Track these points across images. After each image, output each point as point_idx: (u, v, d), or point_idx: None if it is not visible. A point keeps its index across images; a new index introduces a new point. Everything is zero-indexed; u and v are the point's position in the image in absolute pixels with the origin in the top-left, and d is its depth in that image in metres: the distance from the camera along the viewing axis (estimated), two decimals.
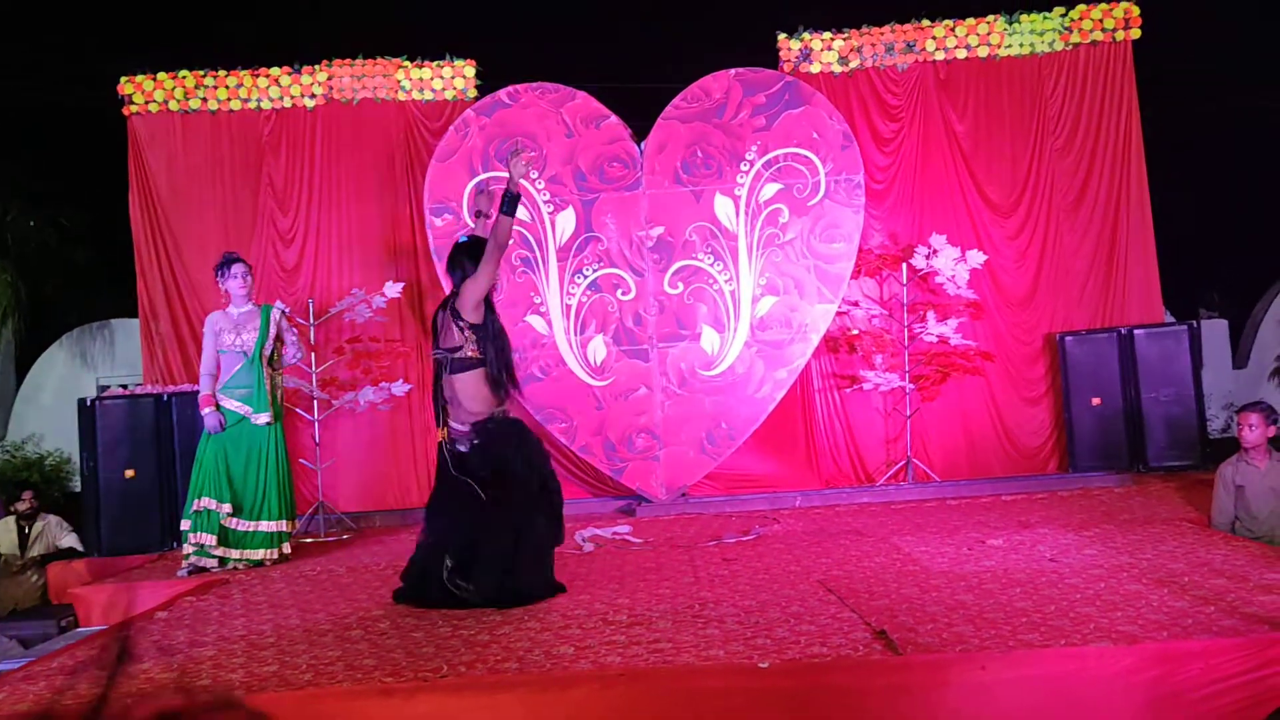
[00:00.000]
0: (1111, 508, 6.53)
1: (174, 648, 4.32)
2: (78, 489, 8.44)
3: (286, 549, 6.42)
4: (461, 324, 4.90)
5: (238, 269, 6.39)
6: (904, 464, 7.97)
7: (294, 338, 6.63)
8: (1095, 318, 8.25)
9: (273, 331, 6.42)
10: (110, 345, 10.49)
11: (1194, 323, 8.22)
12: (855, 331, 8.16)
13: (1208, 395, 8.36)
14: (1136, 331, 7.87)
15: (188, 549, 6.20)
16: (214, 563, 6.18)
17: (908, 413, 7.98)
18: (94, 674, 2.34)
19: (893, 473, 8.03)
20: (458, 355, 4.91)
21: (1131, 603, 4.07)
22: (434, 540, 4.96)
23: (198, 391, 6.46)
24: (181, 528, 6.29)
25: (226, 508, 6.19)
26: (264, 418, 6.31)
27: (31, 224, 10.28)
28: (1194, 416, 7.77)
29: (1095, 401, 7.86)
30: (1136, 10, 8.27)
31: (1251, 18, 10.73)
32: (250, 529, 6.26)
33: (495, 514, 4.80)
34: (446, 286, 5.30)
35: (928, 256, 7.88)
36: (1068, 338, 7.95)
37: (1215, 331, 10.56)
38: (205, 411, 6.25)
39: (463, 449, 4.92)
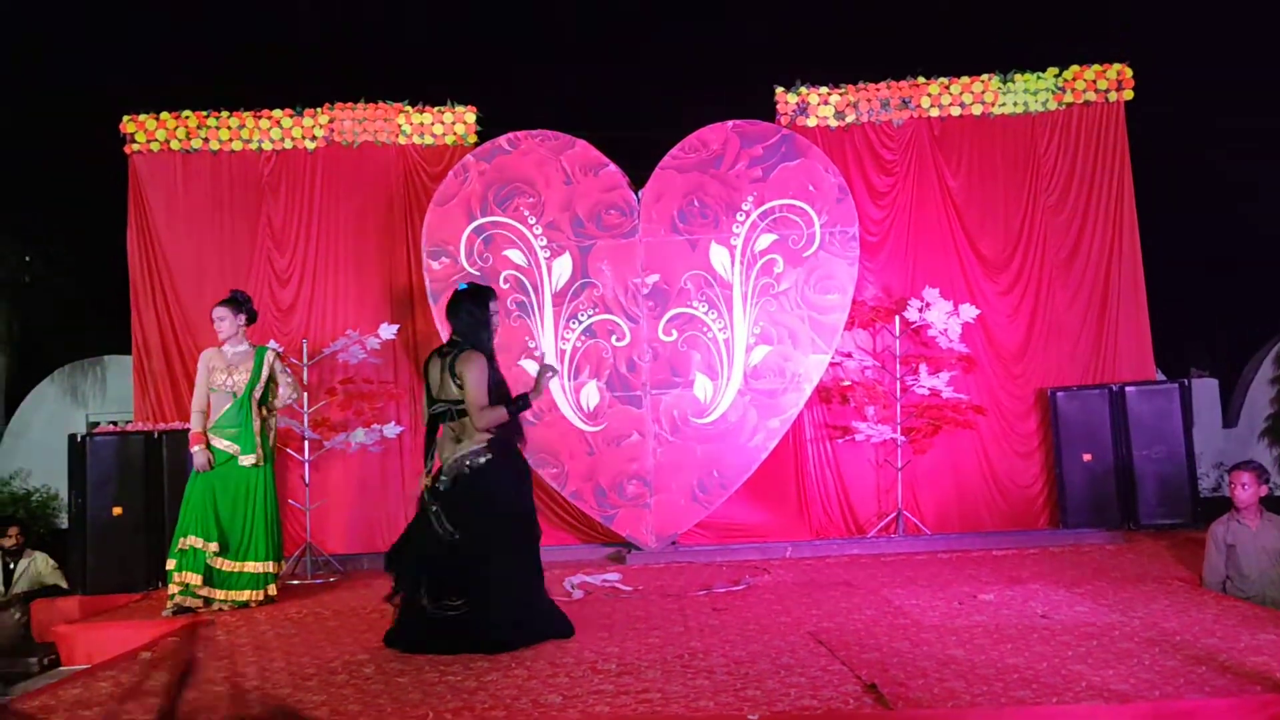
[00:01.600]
0: (1103, 565, 6.53)
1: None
2: (64, 526, 8.38)
3: (273, 591, 6.37)
4: (459, 382, 4.91)
5: (215, 312, 6.39)
6: (895, 516, 7.95)
7: (288, 379, 6.61)
8: (1087, 374, 8.29)
9: (265, 373, 6.41)
10: (102, 381, 10.47)
11: (1185, 381, 8.26)
12: (848, 382, 8.18)
13: (1198, 454, 8.37)
14: (1128, 389, 7.90)
15: (173, 588, 6.14)
16: (199, 603, 6.12)
17: (899, 465, 7.98)
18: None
19: (884, 525, 8.02)
20: (462, 407, 4.92)
21: (1123, 660, 4.06)
22: (406, 585, 4.95)
23: (189, 429, 6.44)
24: (167, 567, 6.24)
25: (213, 546, 6.15)
26: (250, 459, 6.28)
27: (27, 259, 10.28)
28: (1185, 474, 7.78)
29: (1086, 458, 7.87)
30: (1129, 72, 8.40)
31: (1243, 85, 10.90)
32: (236, 570, 6.21)
33: (467, 554, 4.80)
34: (444, 331, 5.31)
35: (921, 310, 7.92)
36: (1059, 393, 7.98)
37: (1206, 390, 10.61)
38: (194, 449, 6.23)
39: (456, 480, 4.93)
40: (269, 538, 6.30)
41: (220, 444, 6.26)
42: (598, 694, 3.91)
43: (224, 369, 6.32)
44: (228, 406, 6.29)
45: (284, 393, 6.55)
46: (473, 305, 5.05)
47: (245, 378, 6.33)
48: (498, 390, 4.99)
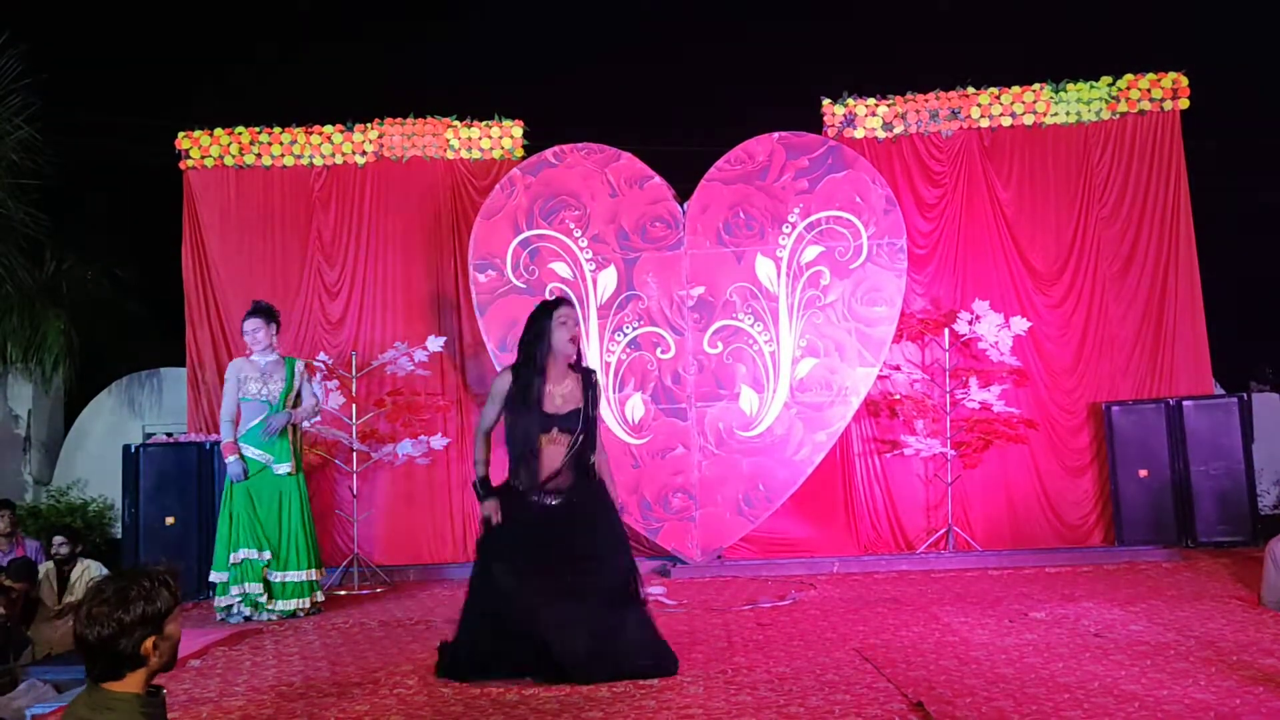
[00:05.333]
0: (1159, 583, 6.38)
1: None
2: (120, 535, 8.52)
3: (319, 598, 6.43)
4: None
5: (248, 324, 6.42)
6: (945, 532, 7.84)
7: (311, 390, 6.61)
8: (1142, 388, 8.13)
9: (297, 384, 6.47)
10: (158, 393, 10.64)
11: (1244, 395, 8.06)
12: (897, 396, 8.10)
13: (1259, 470, 8.17)
14: (1185, 403, 7.74)
15: (230, 600, 6.21)
16: (251, 611, 6.20)
17: (949, 480, 7.87)
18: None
19: (933, 540, 7.91)
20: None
21: (1178, 681, 3.95)
22: None
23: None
24: (212, 579, 6.29)
25: (267, 555, 6.22)
26: (285, 467, 6.34)
27: (89, 275, 10.51)
28: (1244, 491, 7.61)
29: (1142, 473, 7.71)
30: (1185, 80, 8.25)
31: None
32: (280, 579, 6.27)
33: None
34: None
35: (970, 322, 7.82)
36: (1114, 407, 7.83)
37: (1267, 405, 10.34)
38: (229, 460, 6.28)
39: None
40: (309, 545, 6.35)
41: (252, 453, 6.31)
42: (639, 710, 3.88)
43: (258, 378, 6.36)
44: (261, 416, 6.34)
45: (308, 402, 6.56)
46: (534, 317, 4.77)
47: (279, 387, 6.38)
48: (520, 398, 4.64)
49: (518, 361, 4.73)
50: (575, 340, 4.74)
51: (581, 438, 4.63)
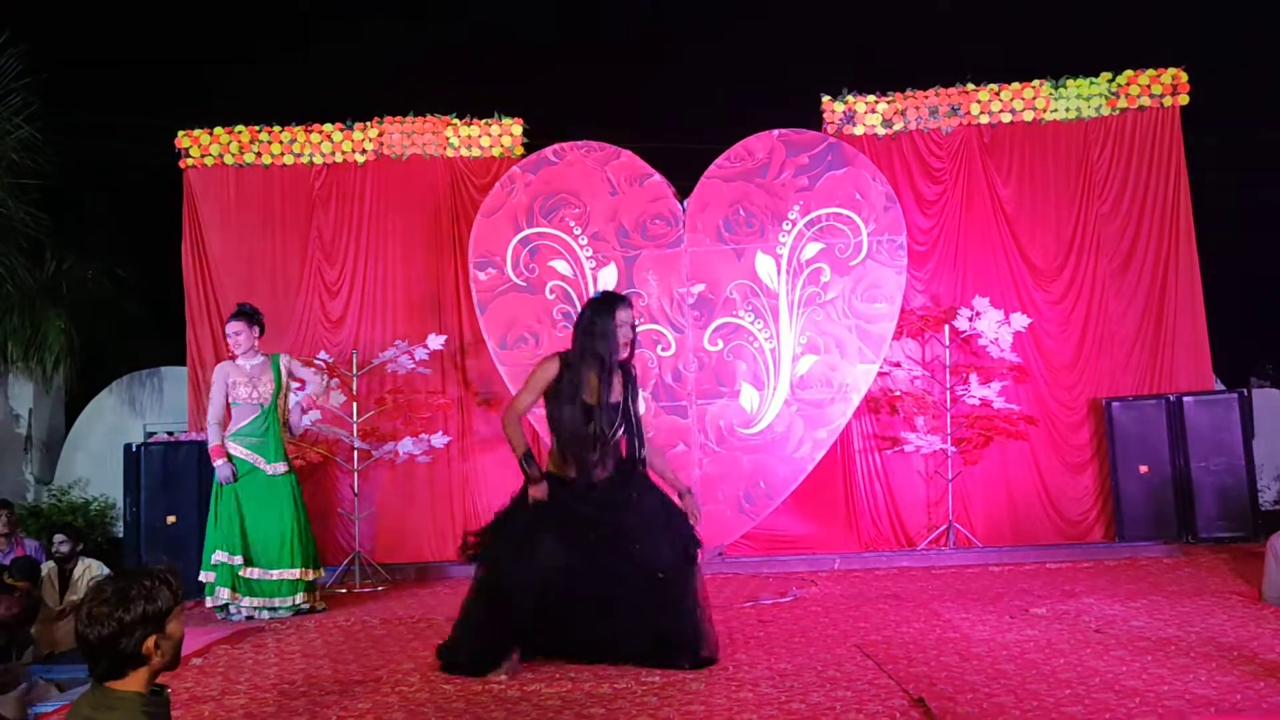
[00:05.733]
0: (1159, 578, 6.38)
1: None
2: (121, 534, 8.53)
3: (311, 596, 6.42)
4: None
5: (230, 327, 6.40)
6: (945, 528, 7.85)
7: (309, 373, 6.62)
8: (1142, 384, 8.13)
9: (285, 380, 6.46)
10: (159, 393, 10.64)
11: (1244, 391, 8.06)
12: (897, 393, 8.09)
13: (1260, 465, 8.17)
14: (1185, 398, 7.73)
15: (218, 600, 6.22)
16: (247, 612, 6.21)
17: (949, 476, 7.88)
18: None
19: (934, 537, 7.91)
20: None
21: (1179, 676, 3.96)
22: None
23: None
24: (200, 579, 6.30)
25: (238, 559, 6.20)
26: (279, 467, 6.34)
27: (89, 274, 10.51)
28: (1245, 486, 7.60)
29: (1143, 469, 7.71)
30: (1184, 76, 8.24)
31: None
32: (263, 577, 6.26)
33: None
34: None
35: (970, 319, 7.82)
36: (1115, 404, 7.83)
37: (1268, 401, 10.35)
38: (218, 463, 6.26)
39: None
40: (302, 544, 6.34)
41: (240, 453, 6.31)
42: (641, 706, 3.89)
43: (246, 382, 6.35)
44: (253, 417, 6.34)
45: (314, 386, 6.58)
46: (595, 313, 4.67)
47: (269, 388, 6.38)
48: (572, 392, 4.60)
49: (573, 354, 4.65)
50: (628, 344, 4.71)
51: (622, 429, 4.65)
